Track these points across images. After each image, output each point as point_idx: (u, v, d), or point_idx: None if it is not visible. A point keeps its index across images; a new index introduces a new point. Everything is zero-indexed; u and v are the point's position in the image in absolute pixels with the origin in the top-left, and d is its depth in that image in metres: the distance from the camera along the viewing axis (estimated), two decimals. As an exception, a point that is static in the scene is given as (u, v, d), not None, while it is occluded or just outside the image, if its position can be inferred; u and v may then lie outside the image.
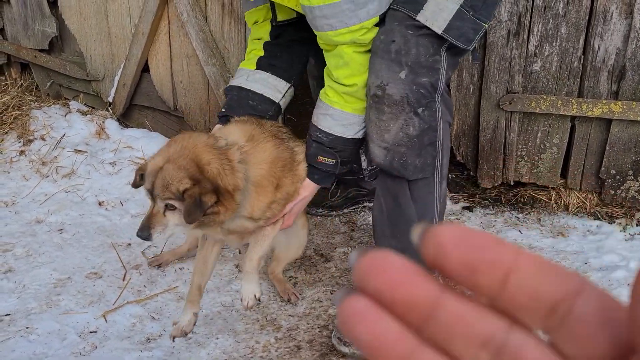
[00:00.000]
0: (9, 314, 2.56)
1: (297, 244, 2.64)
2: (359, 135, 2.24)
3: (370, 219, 3.32)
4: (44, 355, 2.33)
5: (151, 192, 1.96)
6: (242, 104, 2.43)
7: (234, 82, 2.53)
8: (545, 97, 3.16)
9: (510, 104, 3.23)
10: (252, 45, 2.57)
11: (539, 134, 3.29)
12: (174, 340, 2.21)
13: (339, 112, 2.19)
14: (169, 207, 1.95)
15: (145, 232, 1.98)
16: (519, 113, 3.27)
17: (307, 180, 2.32)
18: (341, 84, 2.15)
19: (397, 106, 2.09)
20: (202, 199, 1.89)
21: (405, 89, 2.07)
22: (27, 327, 2.48)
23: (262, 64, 2.48)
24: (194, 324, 2.35)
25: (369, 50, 2.12)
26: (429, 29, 2.04)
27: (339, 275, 2.84)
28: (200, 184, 1.91)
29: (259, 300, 2.28)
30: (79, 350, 2.37)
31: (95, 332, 2.48)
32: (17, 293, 2.69)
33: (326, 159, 2.24)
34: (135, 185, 2.06)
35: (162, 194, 1.93)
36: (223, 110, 2.47)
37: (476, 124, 3.39)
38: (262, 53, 2.50)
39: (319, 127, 2.24)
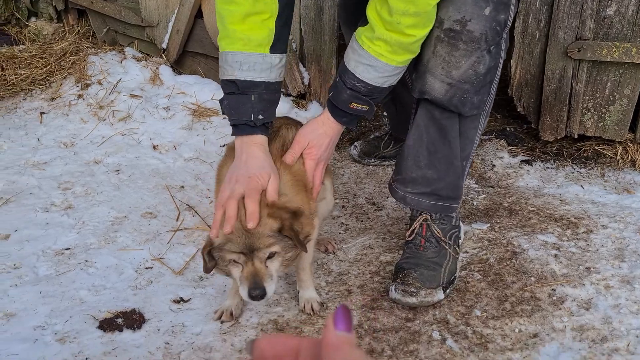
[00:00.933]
0: (69, 248, 2.64)
1: (324, 205, 2.43)
2: (392, 86, 2.11)
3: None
4: (102, 287, 2.40)
5: (246, 252, 1.87)
6: (273, 102, 2.14)
7: (262, 77, 2.06)
8: (618, 44, 2.96)
9: (579, 51, 3.04)
10: (251, 22, 2.03)
11: (609, 85, 3.10)
12: (222, 323, 2.18)
13: (383, 64, 2.01)
14: (270, 256, 1.88)
15: (260, 290, 1.84)
16: (588, 62, 3.08)
17: (333, 121, 2.13)
18: (401, 33, 1.95)
19: (475, 43, 2.01)
20: (295, 228, 1.90)
21: (486, 26, 2.00)
22: (86, 261, 2.56)
23: (276, 47, 2.08)
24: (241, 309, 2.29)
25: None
26: None
27: (391, 224, 2.80)
28: (282, 218, 1.90)
29: (322, 305, 2.25)
30: (135, 284, 2.43)
31: (151, 268, 2.53)
32: (77, 229, 2.78)
33: (360, 105, 2.07)
34: (208, 269, 1.96)
35: (264, 244, 1.86)
36: (260, 118, 2.05)
37: (540, 74, 3.22)
38: (273, 32, 2.06)
39: (357, 76, 2.04)
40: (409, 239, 2.38)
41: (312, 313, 2.22)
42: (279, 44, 2.07)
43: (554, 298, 2.23)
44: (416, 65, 2.15)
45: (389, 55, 2.00)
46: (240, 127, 2.06)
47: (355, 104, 2.08)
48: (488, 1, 2.00)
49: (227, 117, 2.14)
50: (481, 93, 2.12)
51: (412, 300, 2.19)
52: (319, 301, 2.26)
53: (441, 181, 2.27)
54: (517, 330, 2.09)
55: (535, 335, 2.06)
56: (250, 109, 2.03)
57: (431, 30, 2.03)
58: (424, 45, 2.08)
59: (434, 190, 2.28)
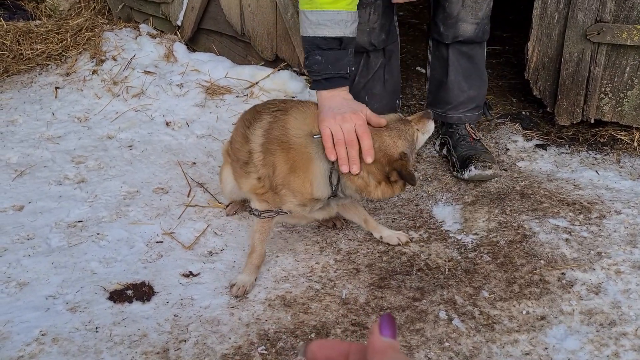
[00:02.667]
0: (82, 221, 2.67)
1: None
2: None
3: (436, 153, 3.22)
4: (113, 260, 2.43)
5: None
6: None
7: (355, 33, 2.30)
8: (639, 27, 2.89)
9: (598, 34, 2.98)
10: None
11: (628, 69, 3.04)
12: (237, 297, 2.21)
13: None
14: None
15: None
16: (607, 45, 3.02)
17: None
18: None
19: None
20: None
21: None
22: (98, 234, 2.58)
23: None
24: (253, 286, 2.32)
25: None
26: None
27: (401, 205, 2.79)
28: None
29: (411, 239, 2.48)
30: (145, 257, 2.45)
31: (162, 242, 2.55)
32: (89, 202, 2.80)
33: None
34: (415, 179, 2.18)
35: None
36: (352, 70, 2.31)
37: (558, 56, 3.17)
38: None
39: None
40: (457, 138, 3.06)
41: (403, 243, 2.46)
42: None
43: (564, 282, 2.21)
44: (445, 20, 2.77)
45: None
46: (333, 80, 2.21)
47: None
48: None
49: (315, 73, 2.22)
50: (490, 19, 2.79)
51: (490, 172, 2.85)
52: (404, 234, 2.49)
53: (479, 95, 3.03)
54: (524, 312, 2.09)
55: (542, 318, 2.06)
56: (347, 62, 2.24)
57: None
58: (451, 3, 2.69)
59: (477, 104, 3.03)
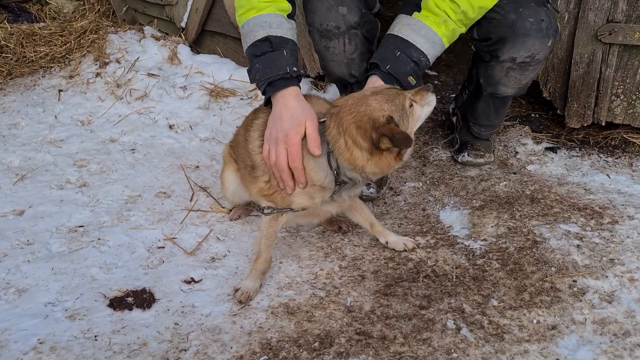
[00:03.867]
0: (83, 226, 2.63)
1: None
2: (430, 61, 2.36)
3: (443, 156, 3.16)
4: (113, 266, 2.38)
5: None
6: (297, 60, 2.29)
7: (289, 35, 2.26)
8: (651, 27, 2.83)
9: (610, 34, 2.91)
10: None
11: (640, 70, 2.97)
12: (241, 303, 2.14)
13: (442, 44, 2.31)
14: None
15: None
16: (619, 46, 2.95)
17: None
18: (466, 17, 2.29)
19: (540, 63, 2.55)
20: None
21: (549, 50, 2.52)
22: (99, 239, 2.54)
23: (291, 15, 2.34)
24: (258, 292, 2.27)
25: None
26: None
27: (408, 209, 2.73)
28: None
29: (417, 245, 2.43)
30: (147, 263, 2.41)
31: (163, 247, 2.51)
32: (91, 207, 2.76)
33: (414, 79, 2.27)
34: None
35: None
36: (294, 69, 2.20)
37: (568, 57, 3.10)
38: (291, 6, 2.31)
39: (424, 52, 2.28)
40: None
41: (410, 249, 2.39)
42: (292, 13, 2.30)
43: (575, 289, 2.15)
44: (487, 79, 2.67)
45: (446, 39, 2.30)
46: (275, 84, 2.15)
47: (412, 78, 2.28)
48: (549, 35, 2.46)
49: (258, 82, 2.19)
50: None
51: (481, 160, 2.99)
52: (411, 239, 2.42)
53: (499, 122, 3.06)
54: (535, 321, 2.02)
55: (553, 327, 1.99)
56: (285, 62, 2.16)
57: (502, 61, 2.52)
58: (494, 68, 2.59)
59: (496, 127, 3.05)
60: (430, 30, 2.28)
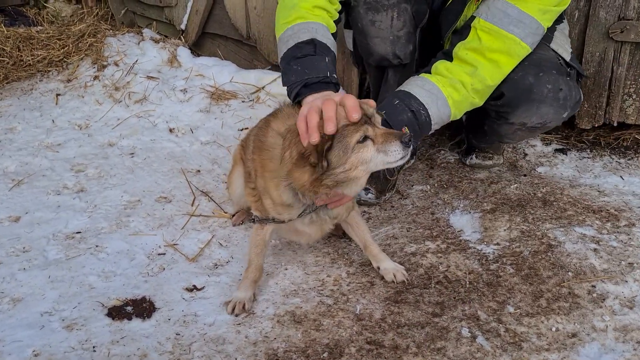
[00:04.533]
0: (80, 232, 2.54)
1: None
2: (431, 132, 2.26)
3: (451, 158, 3.08)
4: (112, 274, 2.29)
5: (366, 119, 1.78)
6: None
7: (332, 48, 2.21)
8: (665, 24, 2.75)
9: (621, 32, 2.84)
10: (319, 11, 2.24)
11: (653, 69, 2.89)
12: (237, 316, 2.03)
13: (447, 107, 2.21)
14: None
15: (408, 135, 1.82)
16: (631, 44, 2.87)
17: None
18: (484, 85, 2.23)
19: (548, 128, 2.51)
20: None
21: (564, 120, 2.46)
22: (97, 246, 2.45)
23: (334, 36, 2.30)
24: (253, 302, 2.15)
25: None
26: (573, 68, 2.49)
27: (416, 213, 2.64)
28: None
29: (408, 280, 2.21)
30: (147, 270, 2.32)
31: (164, 254, 2.42)
32: (89, 212, 2.68)
33: (407, 130, 2.08)
34: (324, 167, 1.81)
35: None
36: (335, 76, 2.12)
37: (579, 56, 3.01)
38: (334, 26, 2.30)
39: (425, 105, 2.16)
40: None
41: (403, 282, 2.17)
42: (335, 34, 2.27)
43: (594, 295, 2.06)
44: (492, 131, 2.60)
45: (452, 104, 2.21)
46: (312, 86, 2.03)
47: (406, 130, 2.06)
48: (566, 107, 2.36)
49: (293, 84, 2.06)
50: None
51: (490, 162, 2.91)
52: (403, 271, 2.21)
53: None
54: (554, 329, 1.93)
55: (574, 335, 1.90)
56: (326, 67, 2.07)
57: (511, 123, 2.42)
58: (500, 126, 2.49)
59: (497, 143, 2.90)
60: (434, 86, 2.19)
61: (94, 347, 1.92)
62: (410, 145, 1.78)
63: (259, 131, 2.11)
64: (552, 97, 2.31)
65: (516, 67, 2.27)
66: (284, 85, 2.15)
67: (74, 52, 4.19)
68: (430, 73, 2.25)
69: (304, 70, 2.06)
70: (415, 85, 2.20)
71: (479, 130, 2.72)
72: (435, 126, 2.23)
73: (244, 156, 2.30)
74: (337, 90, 2.06)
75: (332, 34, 2.24)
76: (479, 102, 2.28)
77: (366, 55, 2.61)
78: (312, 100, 1.91)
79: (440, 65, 2.24)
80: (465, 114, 2.96)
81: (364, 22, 2.40)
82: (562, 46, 2.49)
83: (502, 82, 2.30)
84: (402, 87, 2.23)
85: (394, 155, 1.76)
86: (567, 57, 2.49)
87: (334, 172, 1.76)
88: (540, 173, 2.92)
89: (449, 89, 2.19)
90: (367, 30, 2.42)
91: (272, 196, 1.99)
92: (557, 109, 2.34)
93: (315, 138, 1.71)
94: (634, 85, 2.96)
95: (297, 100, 2.07)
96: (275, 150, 1.94)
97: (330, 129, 1.70)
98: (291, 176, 1.82)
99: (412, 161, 3.02)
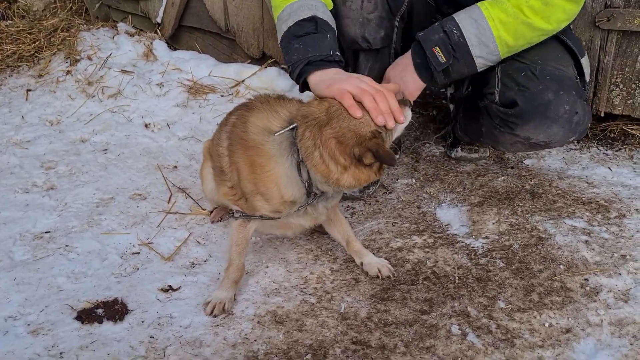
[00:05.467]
0: (49, 232, 2.41)
1: None
2: (476, 65, 2.16)
3: (436, 151, 3.00)
4: (82, 275, 2.17)
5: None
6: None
7: (333, 25, 2.15)
8: (652, 12, 2.70)
9: (608, 20, 2.78)
10: None
11: (640, 58, 2.84)
12: (215, 317, 1.93)
13: (487, 28, 2.10)
14: None
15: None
16: (618, 32, 2.81)
17: (409, 58, 2.18)
18: (520, 10, 2.08)
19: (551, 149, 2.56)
20: None
21: (567, 143, 2.44)
22: (66, 246, 2.32)
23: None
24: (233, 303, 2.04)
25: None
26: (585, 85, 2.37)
27: (401, 207, 2.55)
28: None
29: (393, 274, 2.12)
30: (119, 271, 2.19)
31: (138, 253, 2.30)
32: (59, 211, 2.54)
33: (441, 53, 2.10)
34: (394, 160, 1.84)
35: None
36: (338, 54, 2.05)
37: (564, 46, 2.95)
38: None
39: (458, 23, 2.11)
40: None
41: (389, 277, 2.09)
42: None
43: (587, 288, 1.98)
44: (489, 134, 2.41)
45: (498, 25, 2.08)
46: (316, 64, 1.97)
47: (437, 49, 2.11)
48: (576, 131, 2.24)
49: (295, 62, 2.01)
50: None
51: (476, 155, 2.83)
52: (388, 265, 2.13)
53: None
54: (547, 324, 1.85)
55: (568, 331, 1.82)
56: (329, 45, 2.01)
57: (516, 135, 2.26)
58: (502, 134, 2.31)
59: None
60: (474, 7, 2.11)
61: (61, 353, 1.80)
62: (408, 103, 1.92)
63: (235, 128, 1.99)
64: (566, 119, 2.19)
65: (538, 78, 2.18)
66: (286, 64, 2.08)
67: (45, 47, 4.03)
68: None
69: (307, 48, 1.99)
70: (461, 11, 2.16)
71: (475, 129, 2.57)
72: (475, 49, 2.11)
73: (212, 150, 2.19)
74: (337, 65, 1.99)
75: (330, 10, 2.17)
76: (537, 22, 2.10)
77: (340, 38, 2.51)
78: (349, 83, 1.84)
79: None
80: (461, 109, 2.88)
81: (338, 2, 2.31)
82: (587, 68, 2.42)
83: (519, 90, 2.19)
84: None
85: (408, 119, 1.90)
86: (587, 79, 2.42)
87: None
88: (527, 165, 2.85)
89: (494, 9, 2.08)
90: (340, 10, 2.32)
91: (268, 194, 1.88)
92: (567, 132, 2.22)
93: (391, 123, 1.80)
94: (620, 75, 2.90)
95: (300, 79, 2.00)
96: (266, 146, 1.85)
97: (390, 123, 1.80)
98: (349, 177, 1.80)
99: (397, 156, 2.93)
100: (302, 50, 1.99)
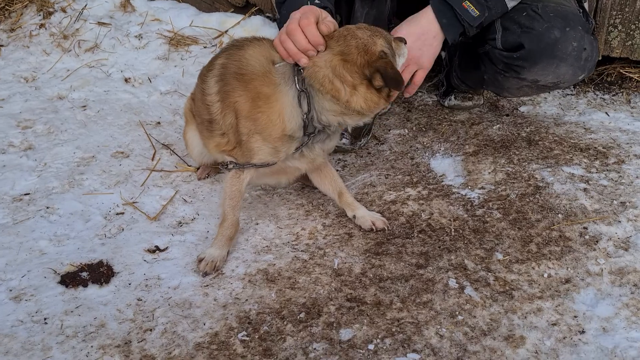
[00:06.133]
0: (29, 194, 2.31)
1: None
2: (507, 7, 2.09)
3: (429, 100, 2.90)
4: (65, 237, 2.09)
5: None
6: None
7: None
8: (655, -54, 2.56)
9: (608, -43, 2.64)
10: None
11: (640, -3, 2.71)
12: (205, 276, 1.86)
13: None
14: None
15: None
16: (618, -31, 2.68)
17: (432, 19, 1.99)
18: None
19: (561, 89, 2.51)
20: None
21: (574, 82, 2.27)
22: (47, 207, 2.23)
23: None
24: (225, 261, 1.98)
25: None
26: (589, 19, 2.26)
27: (394, 159, 2.47)
28: None
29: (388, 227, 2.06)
30: (104, 232, 2.11)
31: (122, 214, 2.21)
32: (37, 172, 2.43)
33: (472, 6, 1.95)
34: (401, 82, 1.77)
35: None
36: (317, 2, 1.94)
37: (562, -15, 2.82)
38: None
39: None
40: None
41: (383, 229, 2.04)
42: None
43: (587, 237, 1.93)
44: (493, 81, 2.33)
45: None
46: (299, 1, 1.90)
47: (468, 3, 1.98)
48: (585, 68, 2.16)
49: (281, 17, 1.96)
50: None
51: (470, 103, 2.75)
52: (382, 218, 2.06)
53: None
54: (545, 275, 1.80)
55: (567, 281, 1.78)
56: (307, 2, 1.88)
57: (522, 79, 2.20)
58: (507, 79, 2.24)
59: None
60: None
61: (45, 318, 1.73)
62: (404, 40, 1.86)
63: (228, 68, 1.91)
64: (575, 57, 2.11)
65: (539, 16, 2.07)
66: (276, 5, 2.04)
67: (16, -1, 3.82)
68: None
69: (289, 12, 1.87)
70: None
71: (475, 77, 2.48)
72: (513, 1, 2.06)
73: (196, 105, 2.08)
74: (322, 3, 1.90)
75: None
76: None
77: None
78: (282, 30, 1.75)
79: None
80: (456, 56, 2.75)
81: None
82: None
83: (523, 32, 2.09)
84: None
85: (404, 56, 1.87)
86: (586, 6, 2.32)
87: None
88: (523, 112, 2.76)
89: None
90: None
91: (270, 127, 1.81)
92: (576, 70, 2.15)
93: (304, 58, 1.72)
94: (619, 16, 2.78)
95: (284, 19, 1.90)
96: (270, 76, 1.80)
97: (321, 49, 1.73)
98: (364, 101, 1.74)
99: (389, 106, 2.82)
100: (287, 16, 1.88)
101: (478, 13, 1.98)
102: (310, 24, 1.71)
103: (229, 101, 1.86)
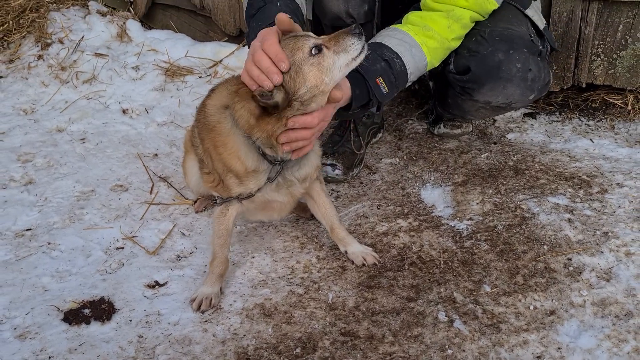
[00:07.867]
0: (30, 229, 2.37)
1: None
2: (408, 84, 2.15)
3: (419, 128, 2.99)
4: (67, 273, 2.15)
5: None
6: (293, 12, 2.05)
7: None
8: (633, -19, 2.66)
9: (589, -10, 2.74)
10: None
11: (620, 27, 2.81)
12: (202, 313, 1.92)
13: (420, 52, 2.10)
14: None
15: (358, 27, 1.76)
16: (599, 2, 2.78)
17: (345, 90, 1.89)
18: (461, 25, 2.14)
19: (516, 109, 2.57)
20: None
21: (530, 102, 2.44)
22: (49, 243, 2.29)
23: None
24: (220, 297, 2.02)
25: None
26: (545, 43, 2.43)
27: (386, 189, 2.55)
28: None
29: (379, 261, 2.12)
30: (104, 267, 2.18)
31: (122, 248, 2.28)
32: (39, 207, 2.50)
33: (384, 84, 2.00)
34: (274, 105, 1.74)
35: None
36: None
37: (546, 17, 2.91)
38: None
39: (397, 52, 2.04)
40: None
41: (375, 264, 2.09)
42: None
43: (571, 268, 2.01)
44: (455, 105, 2.53)
45: (430, 52, 2.10)
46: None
47: (381, 80, 2.01)
48: (533, 89, 2.28)
49: (250, 30, 2.00)
50: None
51: (458, 131, 2.83)
52: (373, 253, 2.12)
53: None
54: (531, 307, 1.88)
55: (552, 313, 1.85)
56: (276, 11, 1.89)
57: (476, 100, 2.35)
58: (464, 102, 2.42)
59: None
60: (406, 35, 2.09)
61: (50, 357, 1.79)
62: (363, 35, 1.72)
63: (198, 114, 2.08)
64: (520, 77, 2.23)
65: (484, 40, 2.18)
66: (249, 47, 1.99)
67: (15, 30, 3.88)
68: (401, 24, 2.15)
69: (259, 24, 1.95)
70: (387, 36, 2.09)
71: (446, 102, 2.61)
72: (411, 77, 2.11)
73: (194, 142, 2.17)
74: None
75: None
76: (455, 45, 2.20)
77: (321, 16, 2.44)
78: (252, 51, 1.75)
79: (411, 15, 2.15)
80: (434, 82, 2.88)
81: None
82: (538, 13, 2.39)
83: (470, 56, 2.21)
84: (372, 40, 2.11)
85: (354, 48, 1.71)
86: (541, 26, 2.40)
87: (297, 95, 1.69)
88: (510, 140, 2.85)
89: (423, 36, 2.10)
90: None
91: (235, 168, 1.89)
92: (524, 90, 2.27)
93: (267, 81, 1.64)
94: (602, 45, 2.88)
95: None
96: (222, 124, 1.88)
97: (282, 66, 1.64)
98: (258, 131, 1.76)
99: (380, 135, 2.91)
100: (256, 29, 1.90)
101: (387, 90, 2.02)
102: (272, 44, 1.67)
103: (204, 146, 2.00)
